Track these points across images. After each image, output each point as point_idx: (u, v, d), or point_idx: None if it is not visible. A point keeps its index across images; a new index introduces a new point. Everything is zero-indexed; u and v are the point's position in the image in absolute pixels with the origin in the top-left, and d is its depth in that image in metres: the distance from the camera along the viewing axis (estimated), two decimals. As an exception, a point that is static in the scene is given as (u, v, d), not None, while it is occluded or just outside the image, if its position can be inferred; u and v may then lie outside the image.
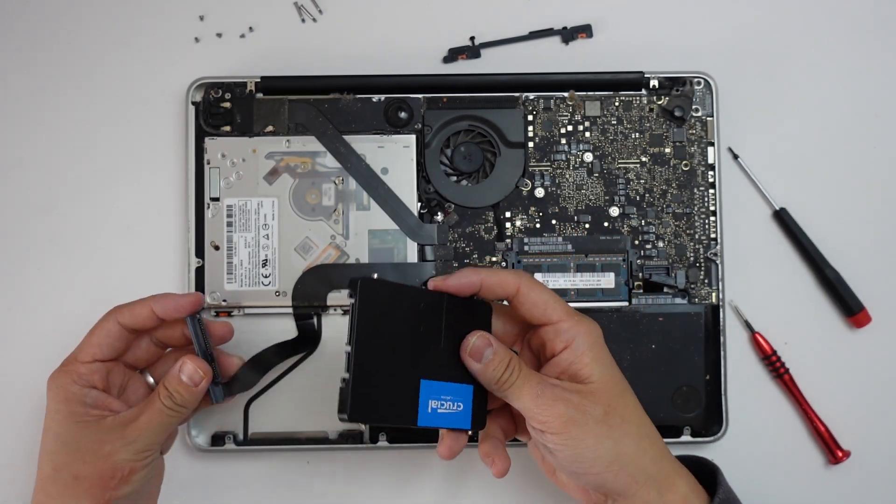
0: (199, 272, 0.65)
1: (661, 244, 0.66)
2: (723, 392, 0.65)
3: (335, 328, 0.65)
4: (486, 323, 0.55)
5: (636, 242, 0.66)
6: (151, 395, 0.56)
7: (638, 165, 0.66)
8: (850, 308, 0.66)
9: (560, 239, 0.66)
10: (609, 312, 0.65)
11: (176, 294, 0.57)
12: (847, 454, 0.66)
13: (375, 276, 0.53)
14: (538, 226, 0.66)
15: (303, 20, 0.69)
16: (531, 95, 0.66)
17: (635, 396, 0.54)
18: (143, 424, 0.54)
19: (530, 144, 0.66)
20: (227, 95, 0.66)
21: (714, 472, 0.56)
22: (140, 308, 0.56)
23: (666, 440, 0.64)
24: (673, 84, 0.66)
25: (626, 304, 0.65)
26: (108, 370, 0.56)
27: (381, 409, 0.52)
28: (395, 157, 0.66)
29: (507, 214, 0.66)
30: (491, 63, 0.68)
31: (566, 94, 0.66)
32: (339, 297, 0.65)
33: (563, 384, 0.53)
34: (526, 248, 0.66)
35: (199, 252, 0.65)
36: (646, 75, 0.66)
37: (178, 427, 0.59)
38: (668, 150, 0.66)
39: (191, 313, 0.57)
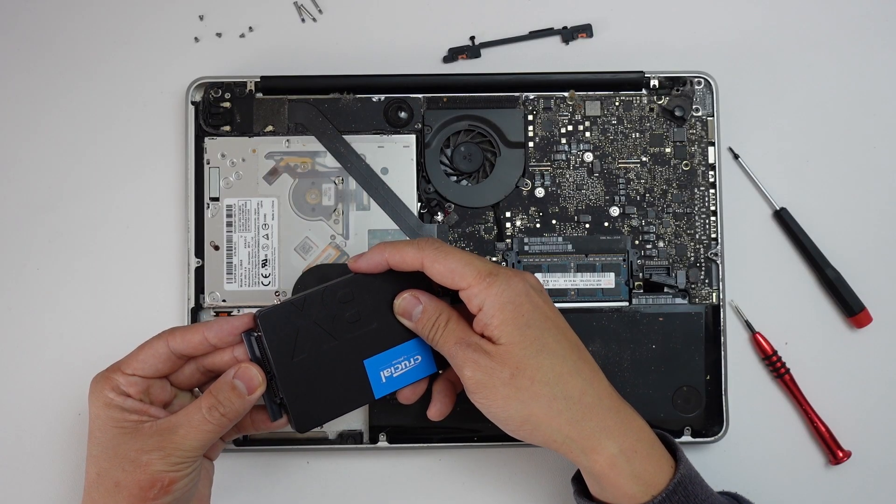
0: (199, 272, 0.65)
1: (661, 244, 0.66)
2: (723, 392, 0.65)
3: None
4: (426, 278, 0.56)
5: (636, 242, 0.66)
6: (192, 406, 0.54)
7: (638, 165, 0.66)
8: (851, 308, 0.66)
9: (560, 239, 0.66)
10: (609, 312, 0.65)
11: (229, 318, 0.56)
12: (848, 454, 0.66)
13: (276, 300, 0.54)
14: (538, 226, 0.66)
15: (303, 20, 0.69)
16: (531, 95, 0.66)
17: (557, 355, 0.53)
18: (181, 437, 0.54)
19: (530, 144, 0.66)
20: (227, 95, 0.66)
21: (674, 448, 0.56)
22: (192, 334, 0.55)
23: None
24: (673, 84, 0.66)
25: (626, 304, 0.65)
26: (149, 385, 0.55)
27: (329, 408, 0.56)
28: (395, 157, 0.66)
29: (507, 214, 0.66)
30: (491, 63, 0.68)
31: (566, 94, 0.66)
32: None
33: (478, 344, 0.53)
34: (526, 248, 0.66)
35: (199, 252, 0.65)
36: (646, 75, 0.66)
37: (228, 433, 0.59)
38: (668, 150, 0.66)
39: (246, 332, 0.56)
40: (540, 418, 0.53)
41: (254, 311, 0.55)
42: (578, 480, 0.58)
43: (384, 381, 0.57)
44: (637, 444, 0.54)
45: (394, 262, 0.55)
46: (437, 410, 0.59)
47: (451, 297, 0.56)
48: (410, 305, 0.56)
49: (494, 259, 0.66)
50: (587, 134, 0.66)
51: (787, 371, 0.66)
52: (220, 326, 0.55)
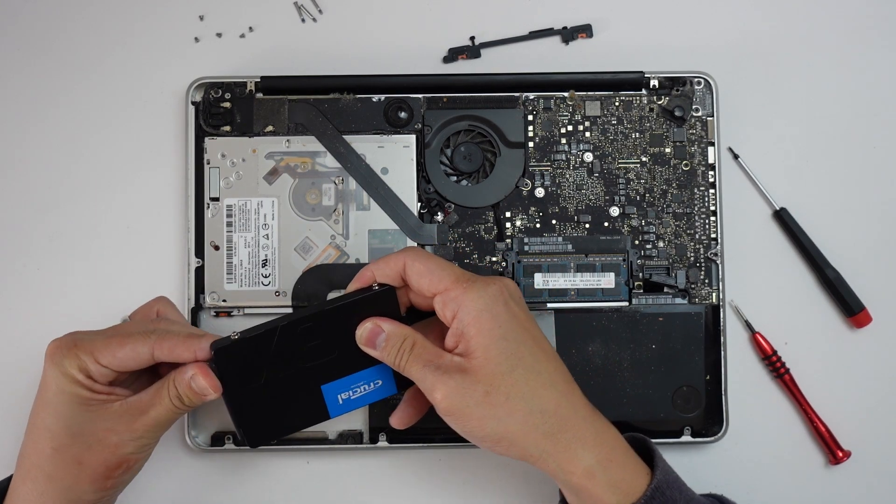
0: (199, 272, 0.65)
1: (661, 244, 0.66)
2: (723, 392, 0.65)
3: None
4: (391, 305, 0.56)
5: (636, 242, 0.66)
6: (159, 390, 0.55)
7: (638, 165, 0.66)
8: (851, 308, 0.66)
9: (560, 239, 0.66)
10: (609, 312, 0.65)
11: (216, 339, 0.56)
12: (847, 454, 0.66)
13: (236, 334, 0.55)
14: (538, 226, 0.66)
15: (303, 20, 0.69)
16: (531, 95, 0.66)
17: (532, 368, 0.53)
18: (152, 421, 0.54)
19: (530, 144, 0.66)
20: (227, 95, 0.66)
21: (651, 452, 0.56)
22: (182, 350, 0.55)
23: (666, 440, 0.64)
24: (673, 84, 0.66)
25: (626, 304, 0.65)
26: (116, 376, 0.55)
27: (283, 427, 0.57)
28: (395, 157, 0.66)
29: (507, 214, 0.66)
30: (491, 63, 0.68)
31: (566, 94, 0.66)
32: (339, 297, 0.64)
33: (448, 365, 0.53)
34: (526, 248, 0.66)
35: (199, 252, 0.65)
36: (646, 75, 0.66)
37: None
38: (668, 150, 0.66)
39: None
40: (516, 434, 0.52)
41: (219, 336, 0.56)
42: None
43: (341, 402, 0.57)
44: (612, 454, 0.53)
45: (379, 271, 0.56)
46: (399, 419, 0.59)
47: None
48: (373, 334, 0.55)
49: (494, 259, 0.66)
50: (587, 134, 0.66)
51: (787, 371, 0.66)
52: (207, 346, 0.55)
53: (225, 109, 0.66)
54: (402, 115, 0.66)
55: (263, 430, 0.57)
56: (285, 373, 0.56)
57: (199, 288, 0.65)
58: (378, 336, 0.55)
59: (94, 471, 0.54)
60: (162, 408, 0.55)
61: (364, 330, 0.55)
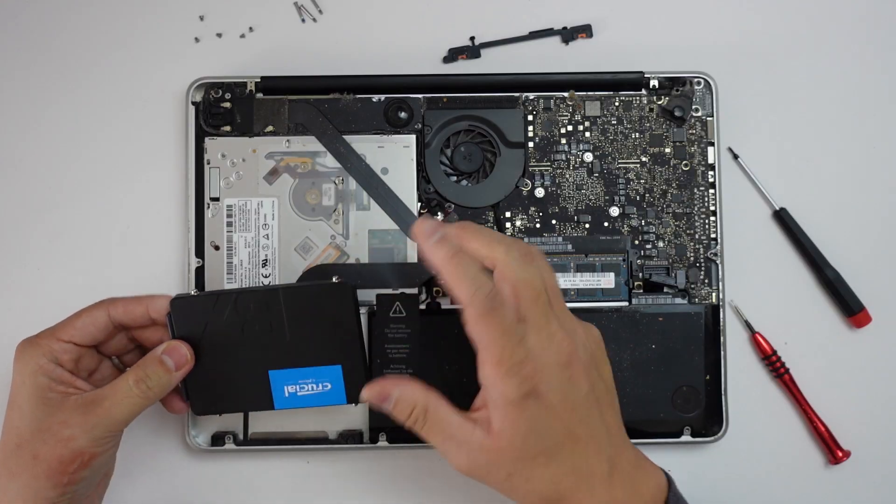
0: (199, 272, 0.65)
1: (661, 244, 0.66)
2: (723, 392, 0.65)
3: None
4: (346, 305, 0.56)
5: (636, 242, 0.66)
6: (117, 380, 0.55)
7: (638, 165, 0.66)
8: (851, 308, 0.66)
9: (560, 239, 0.66)
10: (609, 312, 0.65)
11: (170, 295, 0.57)
12: (847, 454, 0.66)
13: (194, 291, 0.56)
14: (538, 226, 0.66)
15: (303, 20, 0.69)
16: (531, 95, 0.66)
17: (555, 456, 0.50)
18: (105, 411, 0.54)
19: (530, 144, 0.66)
20: (227, 95, 0.66)
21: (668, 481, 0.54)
22: (135, 306, 0.56)
23: (666, 441, 0.64)
24: (673, 84, 0.66)
25: (626, 304, 0.65)
26: (81, 354, 0.56)
27: (230, 402, 0.58)
28: (395, 157, 0.66)
29: (507, 214, 0.66)
30: (491, 63, 0.68)
31: (566, 94, 0.66)
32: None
33: (468, 437, 0.50)
34: (526, 248, 0.66)
35: (199, 252, 0.65)
36: (646, 75, 0.66)
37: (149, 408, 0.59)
38: (668, 150, 0.66)
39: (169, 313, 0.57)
40: None
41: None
42: None
43: (287, 395, 0.58)
44: None
45: (473, 249, 0.52)
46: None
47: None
48: (382, 398, 0.52)
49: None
50: (587, 134, 0.66)
51: (787, 371, 0.66)
52: (163, 303, 0.56)
53: (225, 109, 0.66)
54: (402, 115, 0.66)
55: (210, 401, 0.58)
56: (238, 345, 0.57)
57: (200, 288, 0.65)
58: (386, 399, 0.52)
59: (49, 465, 0.53)
60: (118, 397, 0.54)
61: (372, 394, 0.52)
